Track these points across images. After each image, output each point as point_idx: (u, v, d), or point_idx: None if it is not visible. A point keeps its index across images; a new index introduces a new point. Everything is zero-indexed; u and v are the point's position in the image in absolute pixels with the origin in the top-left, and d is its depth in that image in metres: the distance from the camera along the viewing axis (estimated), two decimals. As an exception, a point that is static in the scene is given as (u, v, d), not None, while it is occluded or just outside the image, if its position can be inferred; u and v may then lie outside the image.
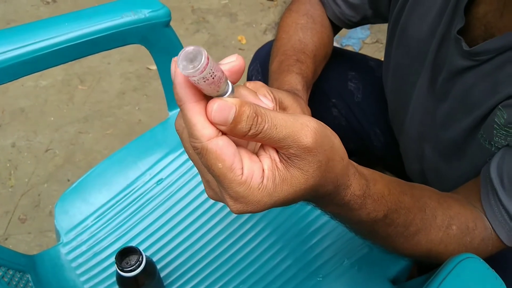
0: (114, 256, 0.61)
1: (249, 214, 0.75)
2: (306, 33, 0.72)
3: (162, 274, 0.72)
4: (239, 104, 0.30)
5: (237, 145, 0.32)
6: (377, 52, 1.75)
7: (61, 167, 1.41)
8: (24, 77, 0.67)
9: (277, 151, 0.33)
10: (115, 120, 1.53)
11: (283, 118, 0.32)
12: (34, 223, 1.29)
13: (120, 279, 0.64)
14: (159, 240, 0.75)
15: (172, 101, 0.87)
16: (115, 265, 0.61)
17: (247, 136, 0.31)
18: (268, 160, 0.33)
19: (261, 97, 0.37)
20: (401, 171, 0.82)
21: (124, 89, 1.62)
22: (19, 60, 0.65)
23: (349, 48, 1.77)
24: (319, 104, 0.86)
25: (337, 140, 0.36)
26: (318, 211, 0.48)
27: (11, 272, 0.65)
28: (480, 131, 0.56)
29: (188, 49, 0.28)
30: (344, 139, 0.38)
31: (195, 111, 0.30)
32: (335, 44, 0.87)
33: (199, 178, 0.80)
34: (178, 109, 0.49)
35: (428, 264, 0.54)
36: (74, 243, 0.76)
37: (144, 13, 0.73)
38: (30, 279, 0.69)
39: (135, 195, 0.79)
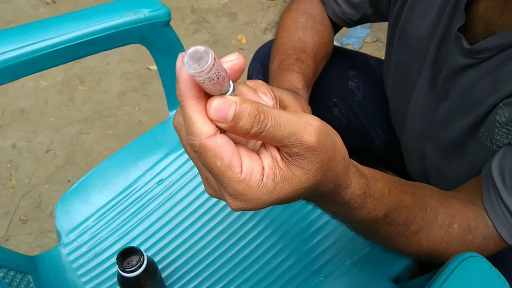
0: (115, 257, 0.61)
1: (251, 214, 0.75)
2: (306, 32, 0.72)
3: (163, 275, 0.72)
4: (239, 101, 0.30)
5: (237, 143, 0.32)
6: (378, 51, 1.75)
7: (61, 167, 1.41)
8: (24, 77, 0.67)
9: (278, 150, 0.33)
10: (115, 121, 1.53)
11: (286, 116, 0.31)
12: (35, 224, 1.29)
13: (122, 280, 0.64)
14: (160, 240, 0.75)
15: (172, 101, 0.87)
16: (116, 265, 0.61)
17: (249, 135, 0.31)
18: (269, 158, 0.33)
19: (261, 95, 0.37)
20: (403, 170, 0.82)
21: (124, 90, 1.62)
22: (19, 60, 0.65)
23: (350, 47, 1.77)
24: (319, 103, 0.86)
25: (338, 139, 0.36)
26: (319, 211, 0.48)
27: (12, 273, 0.65)
28: (481, 130, 0.56)
29: (195, 48, 0.28)
30: (345, 138, 0.38)
31: (195, 108, 0.30)
32: (335, 43, 0.87)
33: (200, 178, 0.80)
34: (179, 109, 0.49)
35: (430, 263, 0.54)
36: (75, 244, 0.76)
37: (144, 13, 0.72)
38: (31, 280, 0.69)
39: (135, 195, 0.79)
